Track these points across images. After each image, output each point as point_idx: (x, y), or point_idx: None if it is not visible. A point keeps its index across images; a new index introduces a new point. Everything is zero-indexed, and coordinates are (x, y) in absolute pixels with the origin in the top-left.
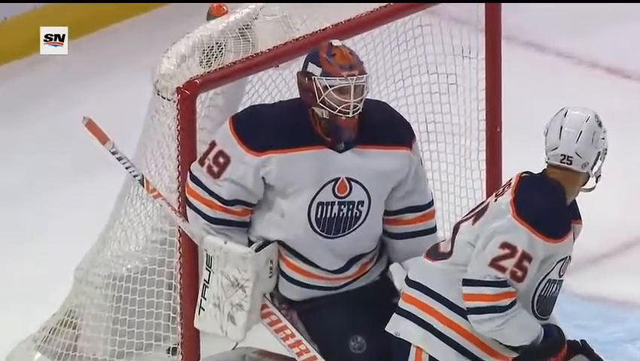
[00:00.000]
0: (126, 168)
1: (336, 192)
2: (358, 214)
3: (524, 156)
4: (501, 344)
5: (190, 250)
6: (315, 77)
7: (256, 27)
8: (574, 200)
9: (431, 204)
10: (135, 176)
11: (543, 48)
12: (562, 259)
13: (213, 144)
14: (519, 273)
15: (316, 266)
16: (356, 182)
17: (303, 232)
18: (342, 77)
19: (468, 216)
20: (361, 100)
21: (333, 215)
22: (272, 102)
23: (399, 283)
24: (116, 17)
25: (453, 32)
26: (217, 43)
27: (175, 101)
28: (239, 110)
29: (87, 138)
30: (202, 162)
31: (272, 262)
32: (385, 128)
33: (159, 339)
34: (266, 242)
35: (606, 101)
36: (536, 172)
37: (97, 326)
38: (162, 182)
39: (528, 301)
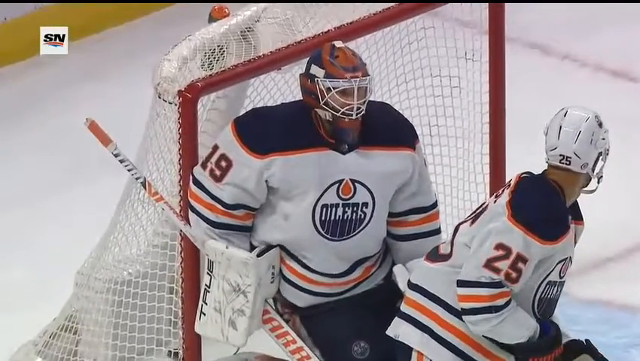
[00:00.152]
0: (129, 171)
1: (341, 194)
2: (362, 216)
3: (528, 159)
4: (499, 345)
5: (191, 255)
6: (318, 79)
7: (258, 30)
8: (576, 201)
9: (435, 205)
10: (137, 178)
11: (547, 51)
12: (562, 260)
13: (215, 148)
14: (514, 275)
15: (319, 273)
16: (360, 183)
17: (308, 235)
18: (346, 78)
19: (468, 217)
20: (365, 102)
21: (337, 217)
22: (274, 104)
23: (403, 285)
24: (117, 19)
25: (457, 35)
26: (218, 46)
27: (176, 105)
28: (241, 113)
29: (88, 141)
30: (204, 166)
31: (274, 268)
32: (388, 129)
33: (160, 344)
34: (269, 247)
35: (611, 104)
36: (537, 173)
37: (98, 330)
38: (163, 186)
39: (529, 303)
